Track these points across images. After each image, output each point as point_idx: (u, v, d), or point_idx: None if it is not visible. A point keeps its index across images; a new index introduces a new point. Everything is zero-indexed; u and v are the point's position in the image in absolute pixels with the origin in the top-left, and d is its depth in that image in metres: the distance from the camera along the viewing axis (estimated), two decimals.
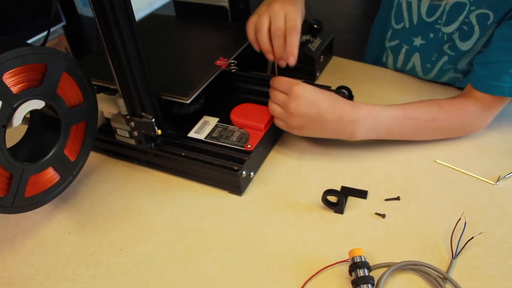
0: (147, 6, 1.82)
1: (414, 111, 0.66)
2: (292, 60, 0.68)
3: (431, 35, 0.76)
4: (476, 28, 0.69)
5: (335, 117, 0.63)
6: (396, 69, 0.88)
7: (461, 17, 0.70)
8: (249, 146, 0.66)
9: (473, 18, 0.69)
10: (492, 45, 0.67)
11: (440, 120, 0.66)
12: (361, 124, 0.64)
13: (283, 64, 0.71)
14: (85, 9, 1.72)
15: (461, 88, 0.80)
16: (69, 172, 0.63)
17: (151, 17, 0.97)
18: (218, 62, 0.73)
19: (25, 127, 0.62)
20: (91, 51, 0.84)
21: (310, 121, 0.63)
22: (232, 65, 0.74)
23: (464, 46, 0.73)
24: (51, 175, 0.61)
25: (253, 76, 0.79)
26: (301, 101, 0.62)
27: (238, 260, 0.57)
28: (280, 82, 0.65)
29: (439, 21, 0.74)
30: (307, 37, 0.84)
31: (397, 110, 0.66)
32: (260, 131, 0.69)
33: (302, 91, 0.63)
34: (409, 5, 0.77)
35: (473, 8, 0.68)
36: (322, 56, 0.86)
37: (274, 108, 0.67)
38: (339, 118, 0.63)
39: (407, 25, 0.79)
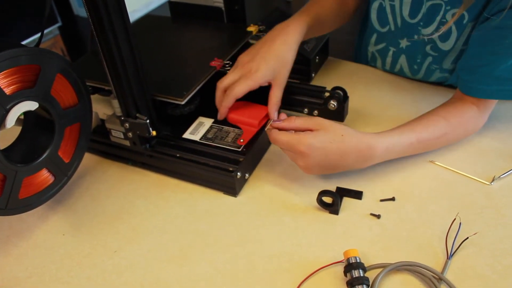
0: (143, 7, 1.82)
1: (425, 133, 0.65)
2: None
3: (415, 36, 0.76)
4: (453, 28, 0.70)
5: (349, 163, 0.62)
6: (385, 71, 0.89)
7: (438, 17, 0.71)
8: (241, 140, 0.66)
9: (449, 18, 0.70)
10: (471, 50, 0.68)
11: (449, 133, 0.66)
12: (377, 160, 0.64)
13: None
14: (81, 10, 1.72)
15: (451, 86, 0.81)
16: (63, 174, 0.63)
17: (147, 18, 0.97)
18: (213, 63, 0.73)
19: (19, 128, 0.61)
20: (87, 51, 0.83)
21: (323, 169, 0.62)
22: (227, 66, 0.74)
23: (445, 46, 0.74)
24: (45, 176, 0.61)
25: None
26: (309, 159, 0.60)
27: (233, 261, 0.57)
28: (283, 138, 0.61)
29: (421, 23, 0.74)
30: None
31: (410, 137, 0.64)
32: (254, 127, 0.69)
33: (309, 150, 0.59)
34: (392, 7, 0.77)
35: (448, 7, 0.69)
36: (317, 57, 0.86)
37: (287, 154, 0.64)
38: (353, 162, 0.62)
39: (392, 28, 0.80)
